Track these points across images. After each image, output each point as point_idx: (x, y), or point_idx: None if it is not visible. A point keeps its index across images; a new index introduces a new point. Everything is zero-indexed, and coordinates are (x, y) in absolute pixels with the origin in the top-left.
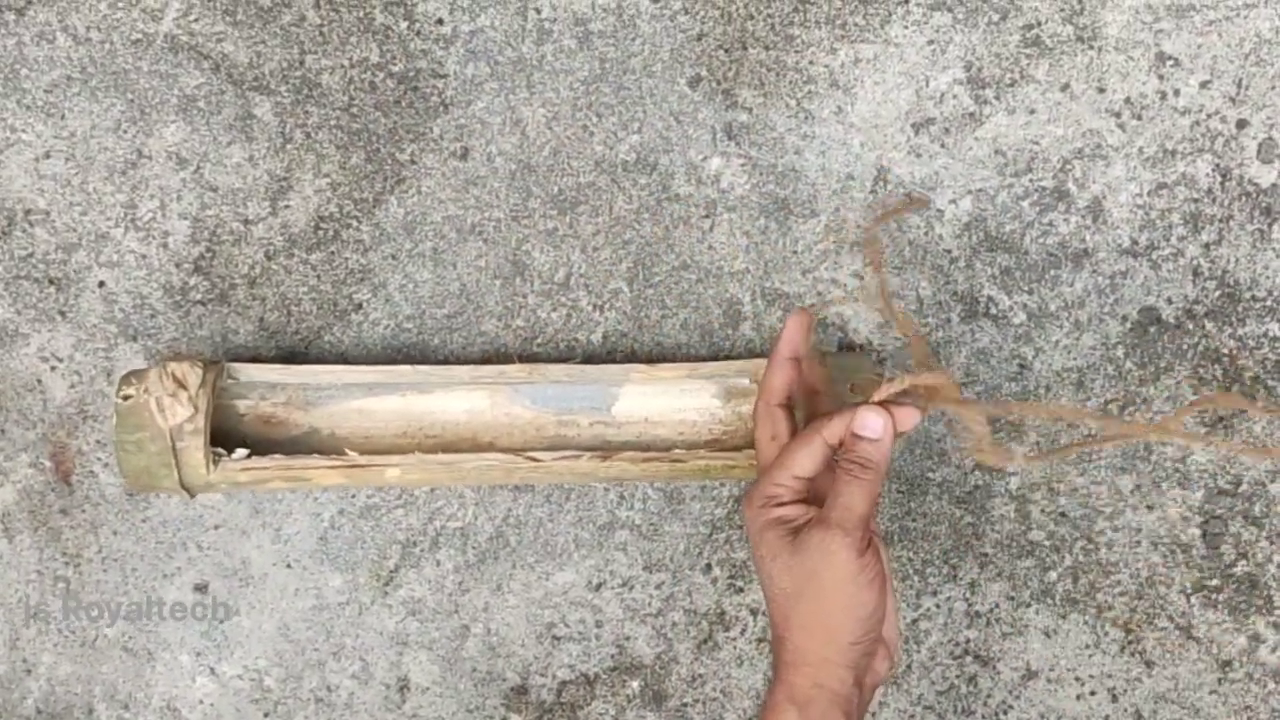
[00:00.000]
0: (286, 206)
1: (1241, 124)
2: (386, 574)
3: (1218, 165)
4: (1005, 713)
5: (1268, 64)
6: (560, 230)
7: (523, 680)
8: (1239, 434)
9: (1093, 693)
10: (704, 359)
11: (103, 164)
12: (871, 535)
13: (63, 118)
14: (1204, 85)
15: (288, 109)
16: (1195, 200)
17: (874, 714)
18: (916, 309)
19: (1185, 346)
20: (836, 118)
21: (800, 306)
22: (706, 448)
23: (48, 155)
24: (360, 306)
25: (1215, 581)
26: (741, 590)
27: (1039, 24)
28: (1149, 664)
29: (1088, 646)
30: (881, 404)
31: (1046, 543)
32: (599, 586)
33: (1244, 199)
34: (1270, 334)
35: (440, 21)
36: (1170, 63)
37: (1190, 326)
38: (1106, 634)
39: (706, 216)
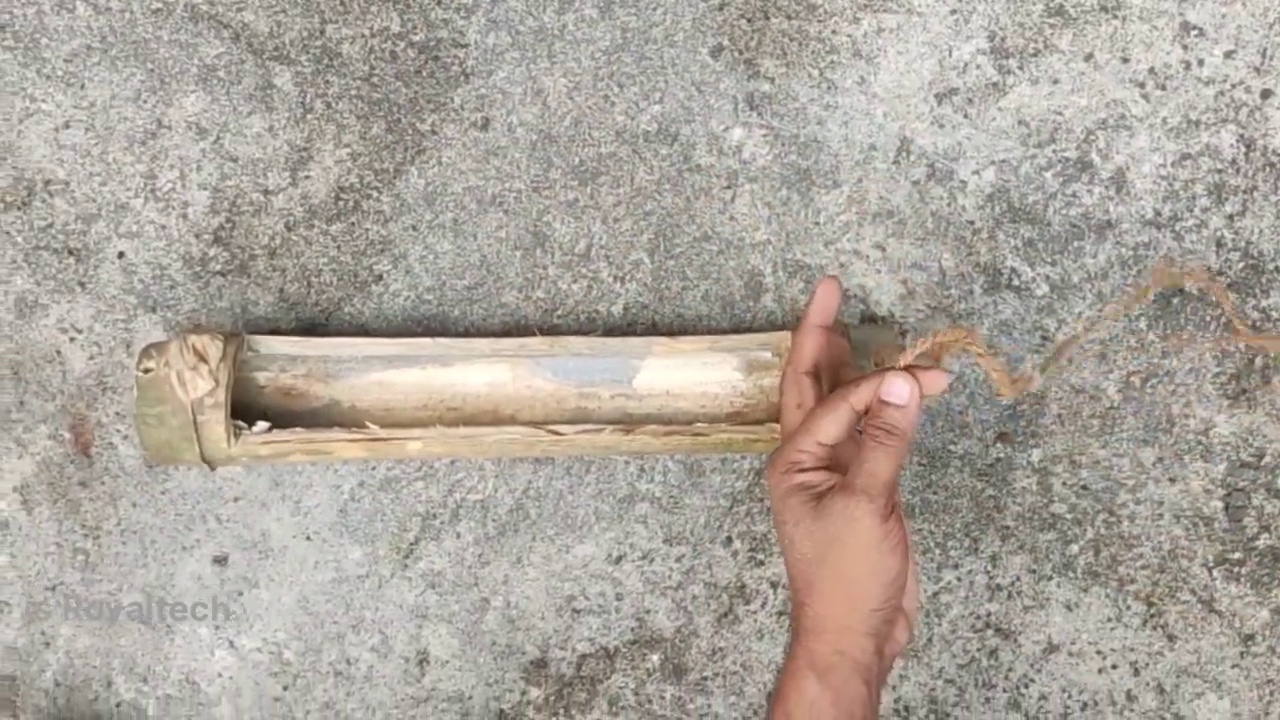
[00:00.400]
0: (307, 177)
1: (1266, 94)
2: (406, 547)
3: (1242, 136)
4: (1026, 686)
5: None
6: (581, 201)
7: (542, 653)
8: (1262, 406)
9: (1114, 666)
10: (725, 331)
11: (122, 134)
12: (895, 503)
13: (82, 87)
14: (1228, 55)
15: (308, 79)
16: (1219, 171)
17: (894, 686)
18: (939, 280)
19: (1208, 318)
20: (859, 88)
21: (829, 274)
22: (728, 420)
23: (67, 125)
24: (380, 278)
25: (1238, 555)
26: (762, 563)
27: None
28: (1171, 637)
29: (1109, 620)
30: (907, 369)
31: (1068, 515)
32: (619, 559)
33: (1268, 169)
34: None
35: None
36: (1194, 32)
37: (1213, 298)
38: (1128, 607)
39: (728, 187)
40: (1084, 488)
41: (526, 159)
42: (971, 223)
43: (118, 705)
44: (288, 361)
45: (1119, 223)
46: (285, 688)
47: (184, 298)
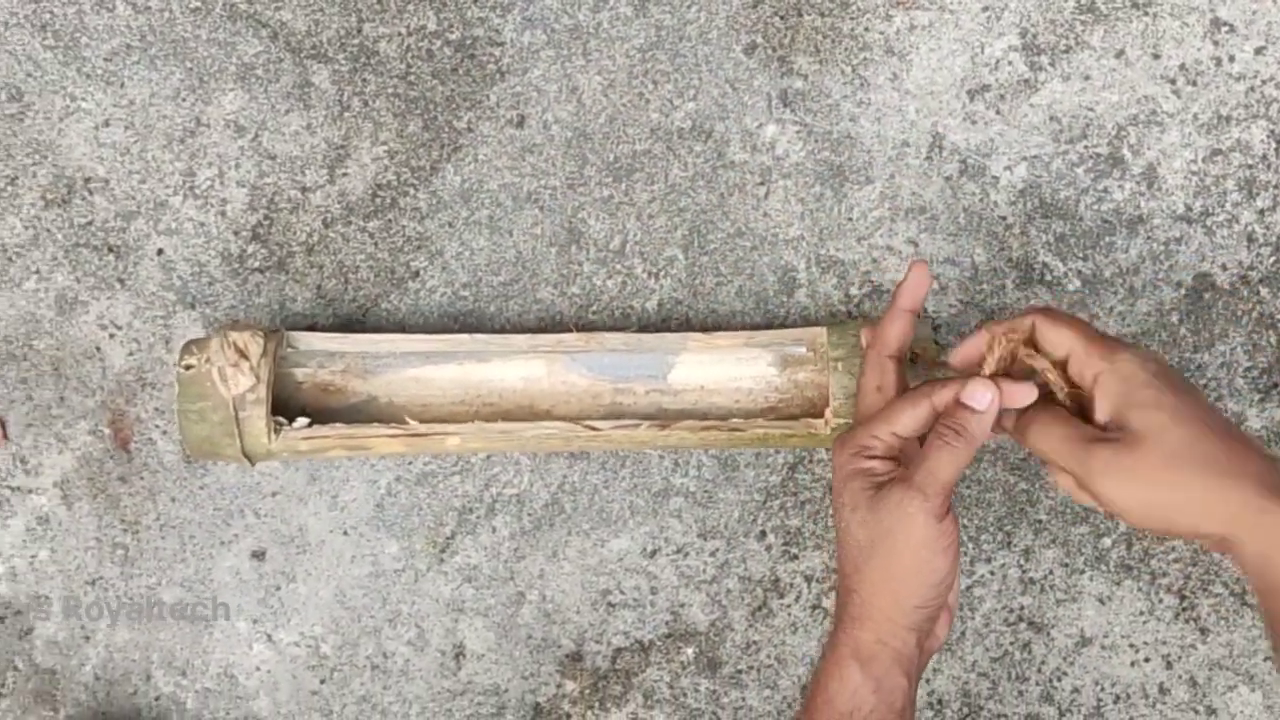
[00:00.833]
0: (344, 174)
1: None
2: (443, 541)
3: (1272, 131)
4: (1059, 679)
5: None
6: (616, 198)
7: (578, 647)
8: None
9: (1147, 659)
10: (759, 326)
11: (161, 132)
12: (950, 504)
13: (122, 86)
14: (1259, 51)
15: (345, 77)
16: (1250, 166)
17: (928, 679)
18: (972, 276)
19: (1240, 312)
20: (892, 84)
21: (919, 258)
22: (763, 415)
23: (107, 123)
24: (417, 274)
25: None
26: (795, 557)
27: None
28: (1203, 631)
29: (1142, 613)
30: (993, 377)
31: (1100, 510)
32: (654, 553)
33: None
34: None
35: None
36: (1225, 28)
37: (1245, 293)
38: (1161, 600)
39: (762, 183)
40: None
41: (562, 156)
42: (1004, 218)
43: (157, 699)
44: (326, 358)
45: (1150, 218)
46: (323, 681)
47: (222, 294)
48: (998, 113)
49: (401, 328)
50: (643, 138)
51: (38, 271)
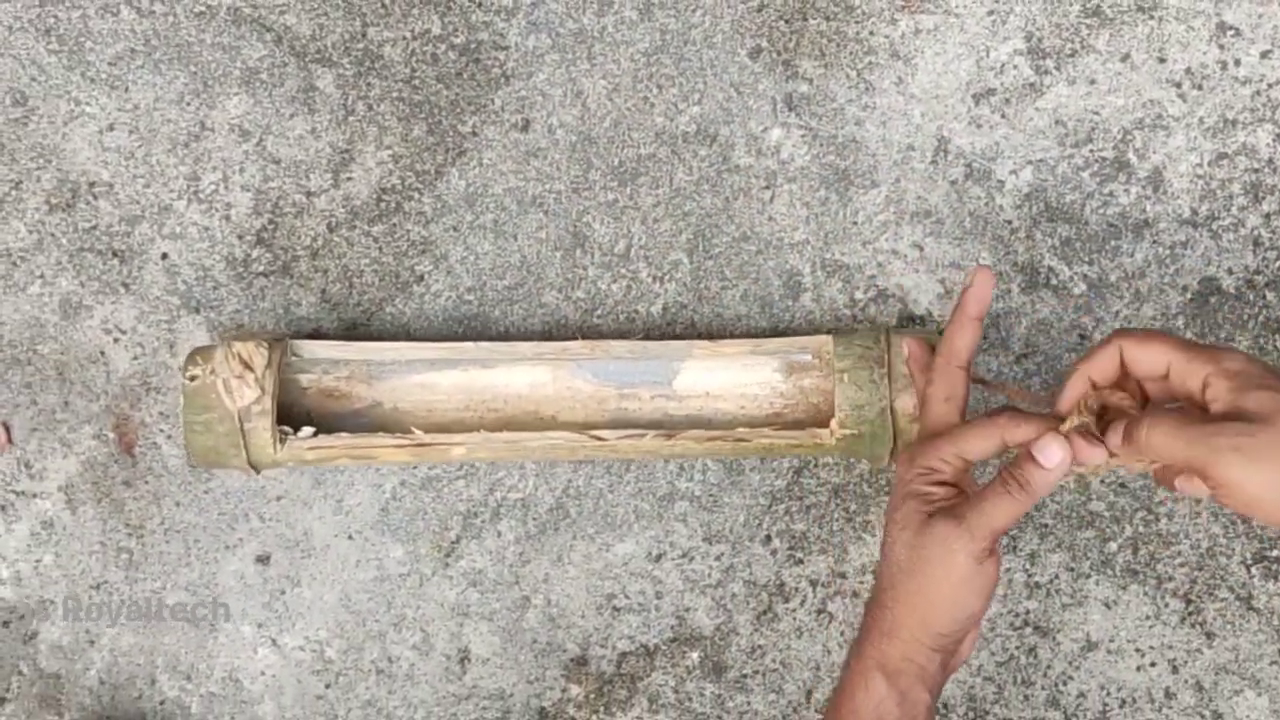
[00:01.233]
0: (348, 178)
1: None
2: (447, 545)
3: (1278, 135)
4: (1065, 684)
5: None
6: (621, 202)
7: (583, 651)
8: None
9: (1153, 664)
10: (764, 330)
11: (166, 136)
12: (996, 547)
13: (126, 90)
14: (1265, 55)
15: (350, 81)
16: (1256, 170)
17: None
18: None
19: (1246, 317)
20: (897, 88)
21: (983, 264)
22: (768, 422)
23: (111, 128)
24: (422, 278)
25: (1276, 552)
26: (801, 562)
27: None
28: (1209, 635)
29: (1148, 618)
30: (1068, 434)
31: (1106, 513)
32: (659, 558)
33: None
34: None
35: None
36: (1231, 32)
37: (1251, 297)
38: (1167, 605)
39: (767, 188)
40: (1122, 485)
41: (566, 160)
42: (1009, 222)
43: (161, 703)
44: (330, 364)
45: (1156, 222)
46: (328, 686)
47: (227, 299)
48: (1003, 116)
49: (406, 332)
50: (647, 142)
51: (42, 276)
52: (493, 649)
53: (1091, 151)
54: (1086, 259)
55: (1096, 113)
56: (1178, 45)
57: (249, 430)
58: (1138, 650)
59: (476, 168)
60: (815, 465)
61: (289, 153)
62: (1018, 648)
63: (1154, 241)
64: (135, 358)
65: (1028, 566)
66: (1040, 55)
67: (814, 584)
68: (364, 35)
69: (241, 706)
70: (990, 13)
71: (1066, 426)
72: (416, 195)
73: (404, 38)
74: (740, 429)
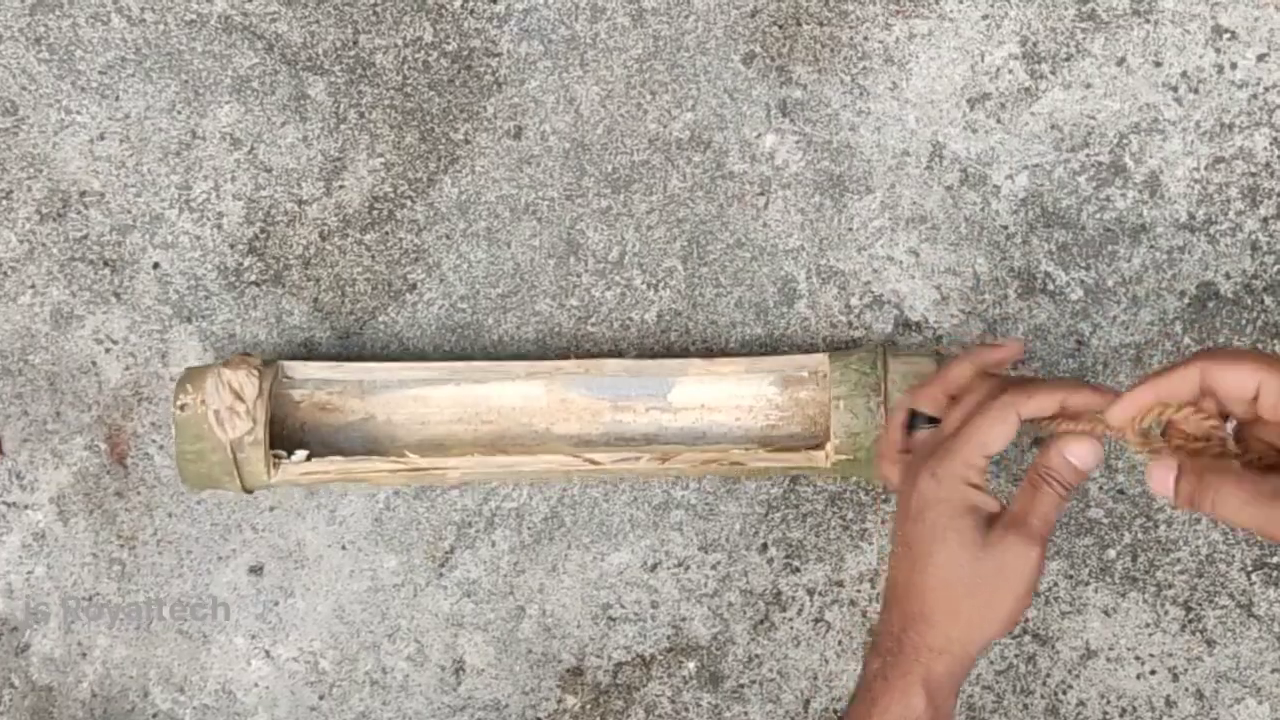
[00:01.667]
0: (341, 187)
1: None
2: (441, 555)
3: (1276, 139)
4: (1064, 692)
5: None
6: (614, 209)
7: (578, 661)
8: None
9: (1153, 672)
10: (759, 337)
11: (157, 145)
12: None
13: (117, 99)
14: (1261, 58)
15: (341, 89)
16: (1253, 174)
17: None
18: (973, 285)
19: (1244, 321)
20: (891, 93)
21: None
22: (764, 434)
23: (102, 137)
24: (414, 286)
25: (1276, 559)
26: (797, 570)
27: None
28: (1210, 642)
29: (1147, 625)
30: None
31: (1105, 520)
32: (654, 567)
33: None
34: None
35: (494, 0)
36: (1227, 36)
37: (1249, 301)
38: (1166, 612)
39: (761, 194)
40: (1120, 492)
41: (559, 167)
42: (1005, 227)
43: (154, 716)
44: (322, 381)
45: (1153, 226)
46: (321, 697)
47: (219, 308)
48: (998, 121)
49: (399, 340)
50: (641, 148)
51: (33, 286)
52: (488, 660)
53: (1087, 156)
54: (1083, 264)
55: (1092, 117)
56: (1174, 49)
57: (242, 459)
58: (1137, 658)
59: (469, 175)
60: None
61: (281, 161)
62: (1016, 656)
63: (1151, 246)
64: (127, 368)
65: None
66: (1035, 59)
67: (811, 593)
68: (355, 43)
69: (235, 718)
70: (985, 17)
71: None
72: (409, 203)
73: (396, 45)
74: (735, 451)
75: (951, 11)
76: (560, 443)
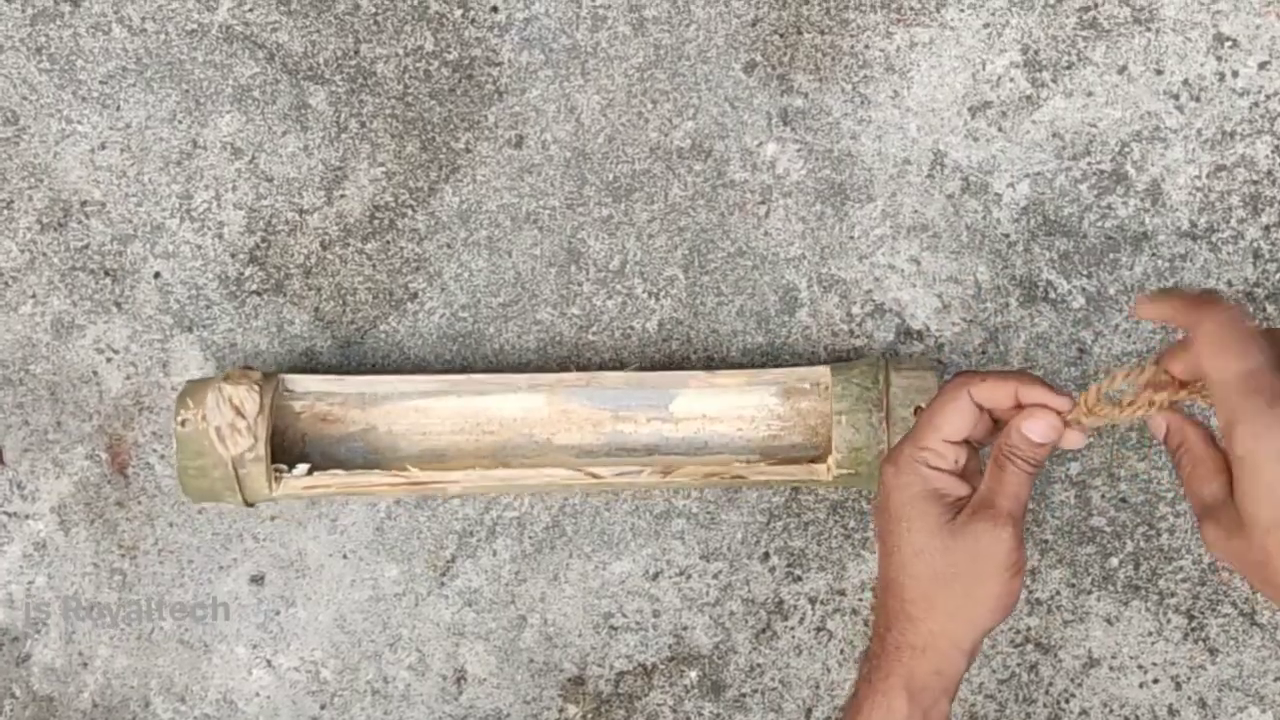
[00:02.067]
0: (342, 196)
1: None
2: (443, 564)
3: (1277, 147)
4: (1067, 701)
5: None
6: (615, 218)
7: (580, 671)
8: None
9: (1155, 680)
10: (761, 346)
11: (158, 155)
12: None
13: (118, 109)
14: (1263, 66)
15: (342, 98)
16: (1255, 182)
17: None
18: (975, 294)
19: None
20: (892, 102)
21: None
22: (765, 444)
23: (103, 146)
24: (416, 296)
25: None
26: (799, 579)
27: (1095, 6)
28: (1212, 651)
29: (1150, 634)
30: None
31: (1107, 529)
32: (656, 576)
33: None
34: None
35: (495, 9)
36: (1228, 44)
37: (1251, 309)
38: (1169, 621)
39: (762, 202)
40: (1123, 500)
41: (560, 176)
42: (1007, 236)
43: None
44: (323, 394)
45: (1155, 234)
46: (323, 707)
47: (220, 317)
48: (1000, 129)
49: (400, 350)
50: (642, 157)
51: (34, 296)
52: (489, 669)
53: (1089, 164)
54: (1085, 272)
55: (1094, 125)
56: (1175, 57)
57: (244, 475)
58: (1140, 667)
59: (470, 184)
60: None
61: (281, 170)
62: (1019, 665)
63: (1153, 254)
64: (128, 377)
65: (1028, 583)
66: (1037, 68)
67: (813, 601)
68: (356, 52)
69: None
70: (986, 25)
71: (1070, 418)
72: (410, 212)
73: (397, 54)
74: (736, 464)
75: (953, 20)
76: (561, 453)
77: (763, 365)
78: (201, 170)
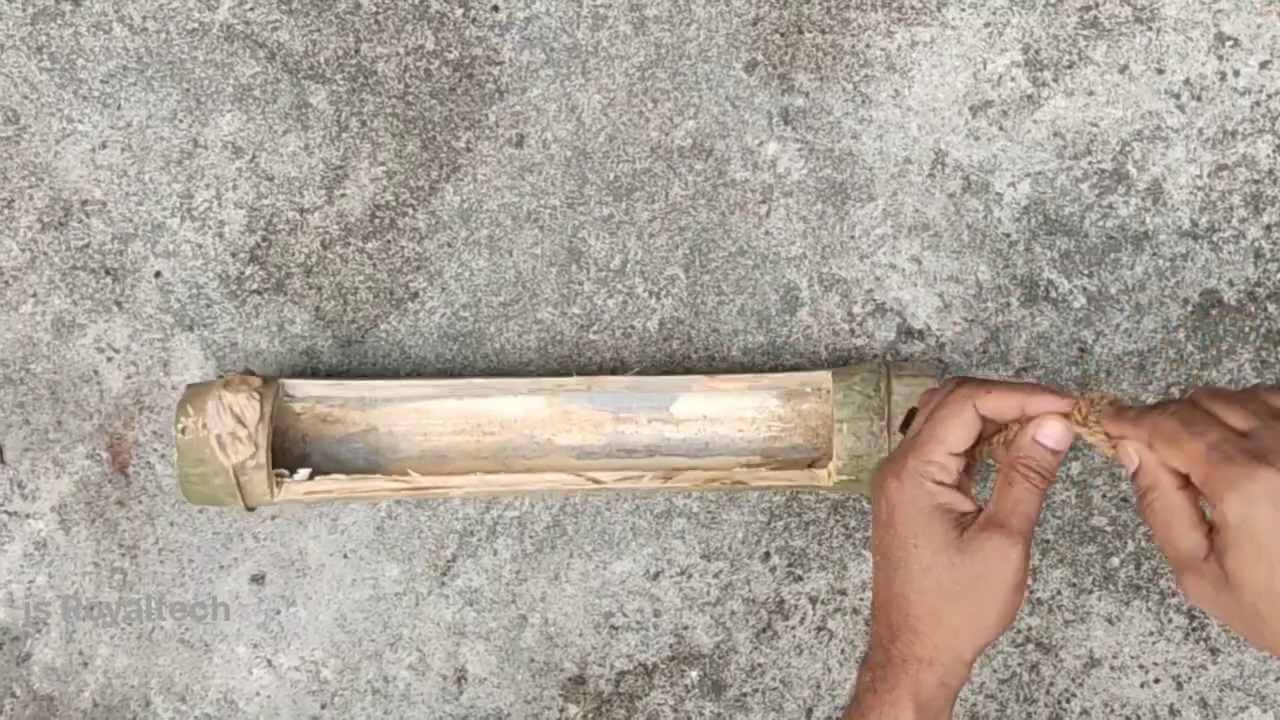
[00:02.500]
0: (342, 195)
1: None
2: (444, 564)
3: (1278, 146)
4: (1068, 701)
5: None
6: (616, 217)
7: (580, 670)
8: None
9: (1157, 680)
10: (762, 345)
11: (159, 154)
12: None
13: (119, 108)
14: (1264, 65)
15: (343, 97)
16: (1256, 181)
17: None
18: (976, 293)
19: (1247, 329)
20: (893, 101)
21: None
22: (766, 445)
23: (104, 145)
24: (416, 295)
25: None
26: (800, 578)
27: (1097, 5)
28: (1213, 651)
29: (1151, 633)
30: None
31: (1109, 529)
32: (657, 575)
33: None
34: None
35: (495, 8)
36: (1229, 43)
37: (1252, 309)
38: (1170, 621)
39: (763, 202)
40: (1124, 500)
41: (561, 175)
42: (1008, 235)
43: None
44: (323, 396)
45: (1156, 234)
46: (323, 706)
47: (220, 316)
48: (1001, 129)
49: (401, 349)
50: (643, 156)
51: (35, 295)
52: (490, 669)
53: (1090, 163)
54: (1086, 272)
55: (1095, 124)
56: (1176, 56)
57: (245, 482)
58: (1141, 667)
59: (471, 183)
60: None
61: (282, 169)
62: (1020, 665)
63: (1154, 254)
64: (129, 376)
65: (1029, 583)
66: (1038, 67)
67: (814, 601)
68: (357, 51)
69: None
70: (987, 25)
71: (1075, 419)
72: (411, 211)
73: (397, 53)
74: (738, 469)
75: (954, 19)
76: (562, 454)
77: (763, 364)
78: (202, 169)
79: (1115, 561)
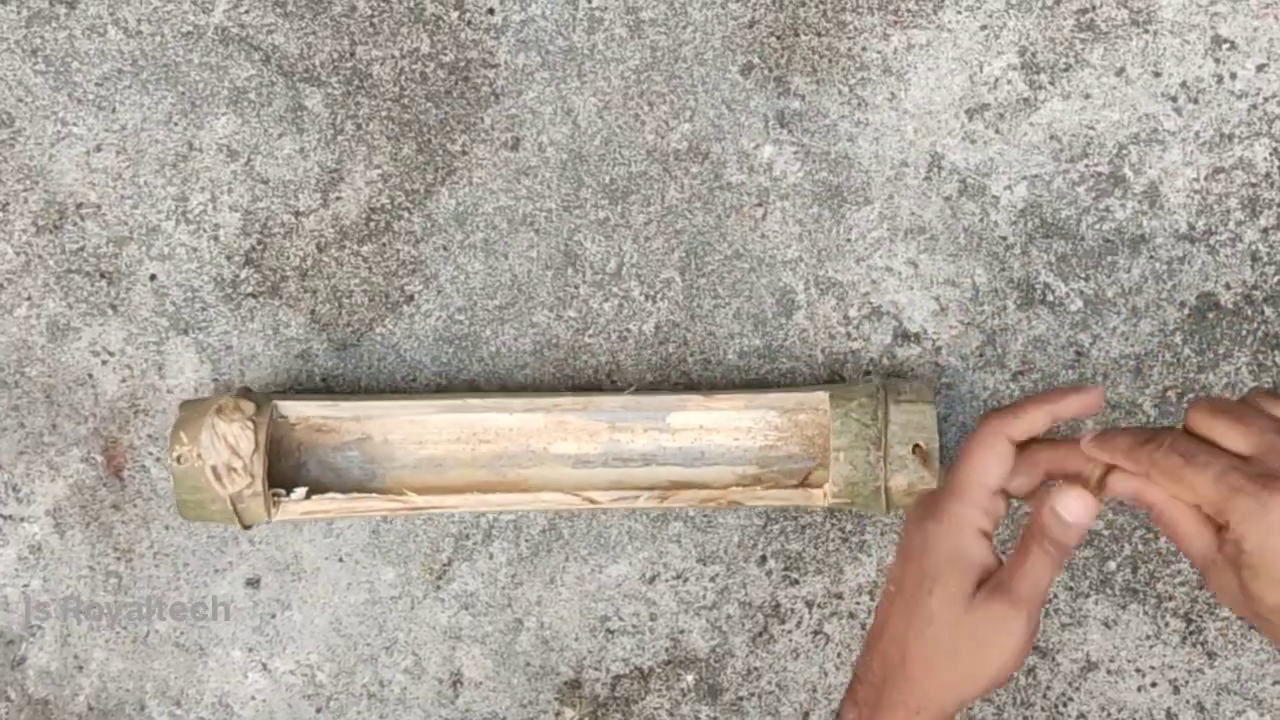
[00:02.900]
0: (338, 198)
1: None
2: (439, 567)
3: (1276, 149)
4: (1065, 705)
5: None
6: (612, 220)
7: (576, 674)
8: None
9: (1154, 684)
10: (757, 349)
11: (153, 157)
12: None
13: (114, 111)
14: (1261, 68)
15: (338, 100)
16: (1253, 185)
17: None
18: (972, 297)
19: (1244, 332)
20: (890, 104)
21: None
22: (760, 454)
23: (99, 148)
24: (412, 298)
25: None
26: (796, 582)
27: (1093, 8)
28: (1211, 655)
29: (1148, 637)
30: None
31: (1105, 532)
32: (653, 579)
33: None
34: None
35: (491, 11)
36: (1226, 46)
37: (1249, 312)
38: (1167, 624)
39: (759, 205)
40: (1120, 503)
41: (557, 178)
42: (1004, 238)
43: None
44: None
45: (1152, 237)
46: (319, 710)
47: (215, 319)
48: (997, 132)
49: (396, 352)
50: (639, 159)
51: (29, 298)
52: (485, 672)
53: (1087, 166)
54: (1082, 275)
55: (1091, 127)
56: (1173, 59)
57: (242, 509)
58: (1138, 670)
59: (466, 186)
60: None
61: (277, 173)
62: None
63: (1151, 257)
64: (124, 380)
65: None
66: (1034, 70)
67: (810, 605)
68: (352, 54)
69: None
70: (983, 27)
71: (1088, 475)
72: (406, 215)
73: (393, 56)
74: (734, 489)
75: (950, 22)
76: (558, 463)
77: (759, 367)
78: (197, 172)
79: (1112, 565)
